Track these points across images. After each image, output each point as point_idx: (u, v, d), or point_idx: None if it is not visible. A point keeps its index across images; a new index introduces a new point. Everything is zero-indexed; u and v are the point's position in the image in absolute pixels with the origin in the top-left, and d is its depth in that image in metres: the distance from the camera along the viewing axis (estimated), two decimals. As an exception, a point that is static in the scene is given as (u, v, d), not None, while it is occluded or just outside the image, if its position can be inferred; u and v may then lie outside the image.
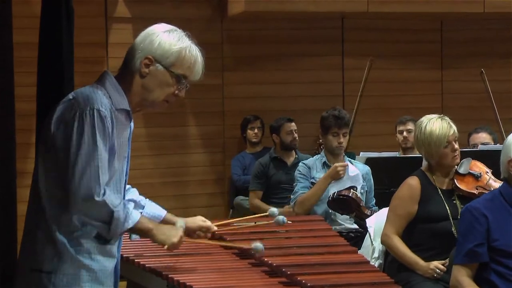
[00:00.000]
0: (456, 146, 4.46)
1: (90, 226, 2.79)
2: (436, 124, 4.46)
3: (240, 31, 8.38)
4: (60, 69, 4.89)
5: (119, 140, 2.85)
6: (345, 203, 5.17)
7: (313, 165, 5.60)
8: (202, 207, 8.04)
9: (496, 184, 4.54)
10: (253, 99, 8.39)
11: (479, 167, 4.62)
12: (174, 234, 2.99)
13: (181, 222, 3.12)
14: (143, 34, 2.94)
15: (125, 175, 2.96)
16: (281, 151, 7.35)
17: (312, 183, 5.53)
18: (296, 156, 7.33)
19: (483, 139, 6.62)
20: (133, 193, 3.32)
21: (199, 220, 3.34)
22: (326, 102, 8.23)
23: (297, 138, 7.33)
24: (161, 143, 8.04)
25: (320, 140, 7.25)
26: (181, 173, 8.15)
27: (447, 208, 4.44)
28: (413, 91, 8.77)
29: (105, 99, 2.79)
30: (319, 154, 7.14)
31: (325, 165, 5.59)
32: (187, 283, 3.00)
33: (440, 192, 4.49)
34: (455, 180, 4.50)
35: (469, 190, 4.49)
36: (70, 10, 5.00)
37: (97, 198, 2.71)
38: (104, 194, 2.73)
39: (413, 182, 4.50)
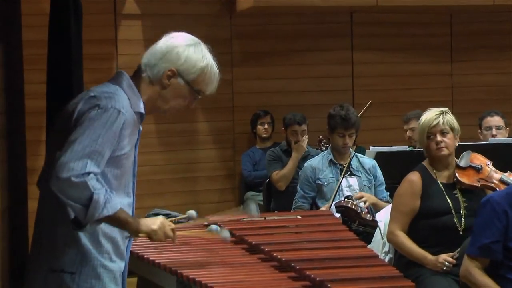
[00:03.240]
0: (439, 138, 4.44)
1: (68, 207, 2.73)
2: (425, 115, 4.51)
3: (249, 27, 8.38)
4: (69, 66, 4.91)
5: (131, 142, 2.86)
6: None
7: (318, 164, 5.59)
8: (212, 203, 8.05)
9: (497, 175, 4.54)
10: (263, 94, 8.38)
11: (479, 160, 4.61)
12: (152, 222, 2.91)
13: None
14: (168, 44, 2.96)
15: (135, 176, 2.98)
16: (288, 145, 7.35)
17: (318, 185, 5.53)
18: (307, 149, 7.32)
19: (496, 122, 6.61)
20: None
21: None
22: (335, 96, 8.23)
23: (299, 140, 7.28)
24: (171, 139, 8.04)
25: (320, 137, 7.25)
26: (191, 169, 8.16)
27: (449, 202, 4.44)
28: (423, 85, 8.75)
29: (126, 101, 2.82)
30: (321, 150, 7.17)
31: (331, 162, 5.58)
32: (197, 279, 3.01)
33: (441, 186, 4.48)
34: (456, 174, 4.49)
35: (470, 183, 4.48)
36: (78, 7, 5.01)
37: (74, 179, 2.66)
38: (87, 176, 2.68)
39: (414, 177, 4.50)
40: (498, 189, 4.44)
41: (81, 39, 5.08)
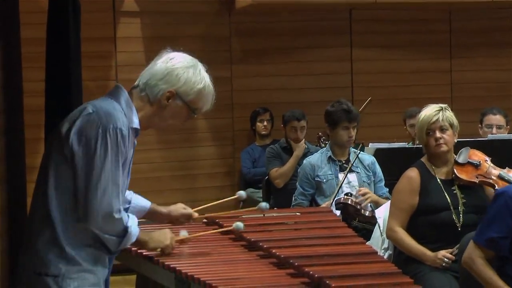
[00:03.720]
0: (438, 135, 4.44)
1: (101, 239, 2.90)
2: (425, 111, 4.50)
3: (248, 24, 8.38)
4: (68, 64, 4.91)
5: (127, 157, 2.96)
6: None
7: (317, 162, 5.59)
8: (211, 200, 8.01)
9: (496, 171, 4.54)
10: (262, 92, 8.39)
11: (478, 156, 4.61)
12: (164, 238, 3.19)
13: (183, 232, 3.38)
14: (168, 66, 3.02)
15: (127, 189, 3.11)
16: (287, 142, 7.36)
17: (317, 182, 5.53)
18: (306, 146, 7.33)
19: (498, 121, 6.61)
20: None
21: (180, 208, 3.46)
22: (335, 93, 8.22)
23: (300, 138, 7.28)
24: (170, 136, 8.04)
25: (320, 133, 7.26)
26: (190, 166, 8.17)
27: (448, 198, 4.44)
28: (422, 82, 8.75)
29: (124, 117, 2.91)
30: (321, 147, 7.16)
31: (330, 159, 5.58)
32: (195, 276, 3.01)
33: (440, 182, 4.48)
34: (455, 170, 4.49)
35: (469, 179, 4.48)
36: (77, 5, 5.02)
37: (116, 215, 2.86)
38: (121, 211, 2.89)
39: (412, 174, 4.51)
40: (496, 186, 4.44)
41: (80, 37, 5.08)
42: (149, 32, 7.96)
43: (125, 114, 2.93)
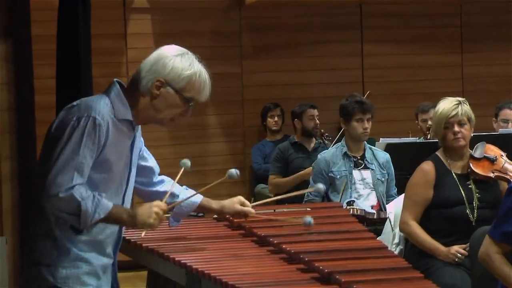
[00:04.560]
0: (457, 129, 4.42)
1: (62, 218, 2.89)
2: (443, 104, 4.46)
3: (258, 19, 8.38)
4: (78, 60, 4.93)
5: (118, 147, 2.95)
6: None
7: (332, 158, 5.53)
8: (222, 195, 8.03)
9: (511, 167, 4.52)
10: (272, 87, 8.38)
11: (494, 151, 4.59)
12: (147, 215, 3.01)
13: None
14: (155, 55, 3.02)
15: (130, 180, 3.07)
16: (301, 137, 7.35)
17: (331, 177, 5.48)
18: (317, 141, 7.33)
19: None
20: (167, 184, 3.43)
21: (237, 204, 3.45)
22: (345, 88, 8.21)
23: (318, 125, 7.32)
24: (181, 132, 8.05)
25: (322, 130, 7.26)
26: (202, 162, 8.17)
27: (462, 192, 4.42)
28: (433, 76, 8.73)
29: (106, 109, 2.91)
30: (324, 143, 7.12)
31: (345, 156, 5.51)
32: (206, 271, 3.02)
33: (455, 176, 4.46)
34: (471, 164, 4.47)
35: (485, 174, 4.46)
36: (87, 2, 5.04)
37: (61, 195, 2.81)
38: (72, 188, 2.82)
39: (427, 167, 4.48)
40: (512, 181, 4.42)
41: (90, 33, 5.10)
42: (160, 28, 7.98)
43: (113, 107, 2.94)
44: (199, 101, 3.07)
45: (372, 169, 5.48)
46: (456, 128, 4.40)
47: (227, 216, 3.63)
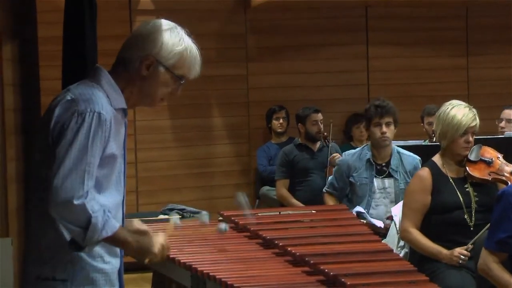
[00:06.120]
0: (471, 139, 4.41)
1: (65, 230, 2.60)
2: (462, 111, 4.42)
3: (264, 21, 8.38)
4: (84, 62, 4.93)
5: (117, 140, 2.73)
6: None
7: (355, 162, 5.37)
8: (227, 198, 8.07)
9: (508, 168, 4.50)
10: (278, 89, 8.39)
11: (490, 153, 4.57)
12: (152, 244, 2.72)
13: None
14: (143, 30, 2.77)
15: (125, 173, 2.84)
16: (305, 140, 7.35)
17: (351, 182, 5.35)
18: (321, 142, 7.32)
19: (508, 115, 6.59)
20: None
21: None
22: (350, 91, 8.23)
23: (322, 130, 7.31)
24: (186, 134, 8.06)
25: (325, 133, 7.24)
26: (207, 164, 8.18)
27: (460, 197, 4.41)
28: (439, 79, 8.72)
29: (105, 100, 2.67)
30: (327, 146, 7.10)
31: (368, 162, 5.33)
32: (211, 274, 3.02)
33: (452, 181, 4.45)
34: (467, 168, 4.45)
35: (482, 177, 4.44)
36: (93, 4, 5.04)
37: (75, 202, 2.54)
38: (85, 197, 2.56)
39: (423, 173, 4.48)
40: (510, 182, 4.41)
41: (96, 35, 5.10)
42: (165, 30, 7.98)
43: (108, 96, 2.68)
44: (189, 78, 2.81)
45: (396, 178, 5.31)
46: (471, 138, 4.40)
47: (233, 218, 3.61)
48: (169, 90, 2.80)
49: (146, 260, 2.74)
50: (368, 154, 5.37)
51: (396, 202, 5.23)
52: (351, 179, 5.39)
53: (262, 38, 8.40)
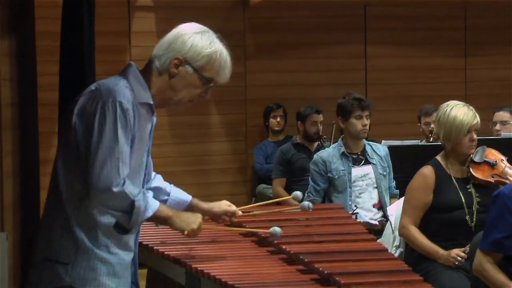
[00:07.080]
0: (475, 137, 4.42)
1: (109, 216, 2.77)
2: (461, 110, 4.42)
3: (262, 19, 8.38)
4: (82, 58, 4.93)
5: (140, 133, 2.83)
6: None
7: (329, 157, 5.52)
8: (224, 195, 8.04)
9: (511, 171, 4.51)
10: (276, 88, 8.39)
11: (494, 155, 4.57)
12: (193, 220, 3.00)
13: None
14: (174, 33, 2.91)
15: (145, 168, 2.95)
16: (303, 139, 7.35)
17: (330, 178, 5.47)
18: (319, 143, 7.32)
19: (501, 117, 6.59)
20: (158, 180, 3.30)
21: (224, 205, 3.38)
22: (348, 90, 8.14)
23: (320, 131, 7.30)
24: (184, 131, 8.07)
25: (321, 133, 7.24)
26: (204, 161, 8.18)
27: (462, 197, 4.42)
28: (436, 79, 8.73)
29: (128, 92, 2.78)
30: (322, 146, 7.11)
31: (343, 155, 5.51)
32: (205, 271, 3.02)
33: (454, 181, 4.46)
34: (471, 169, 4.46)
35: (485, 179, 4.45)
36: (91, 0, 5.04)
37: (115, 189, 2.70)
38: (123, 184, 2.72)
39: (427, 171, 4.48)
40: (512, 185, 4.41)
41: (94, 31, 5.10)
42: (164, 26, 7.93)
43: (133, 89, 2.80)
44: (219, 82, 2.93)
45: (374, 164, 5.48)
46: (475, 136, 4.40)
47: (214, 216, 3.55)
48: (198, 92, 2.93)
49: (185, 232, 2.98)
50: (342, 148, 5.53)
51: (378, 188, 5.42)
52: (329, 174, 5.49)
53: (260, 36, 8.40)
